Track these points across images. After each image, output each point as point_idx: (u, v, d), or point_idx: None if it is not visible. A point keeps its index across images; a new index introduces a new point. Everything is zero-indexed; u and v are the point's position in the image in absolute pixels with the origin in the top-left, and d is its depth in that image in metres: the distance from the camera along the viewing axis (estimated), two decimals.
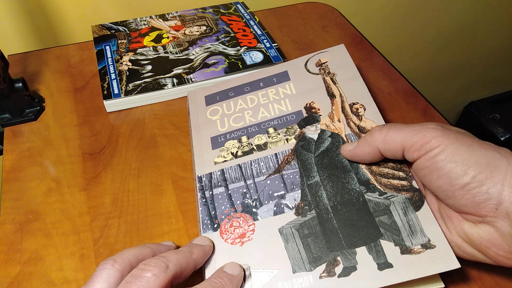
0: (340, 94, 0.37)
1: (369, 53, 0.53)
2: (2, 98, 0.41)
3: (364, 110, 0.36)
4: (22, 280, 0.31)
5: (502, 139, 1.04)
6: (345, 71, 0.39)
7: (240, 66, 0.47)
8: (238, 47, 0.50)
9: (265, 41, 0.51)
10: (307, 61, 0.41)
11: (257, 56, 0.48)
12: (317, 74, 0.40)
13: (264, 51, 0.49)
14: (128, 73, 0.46)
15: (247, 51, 0.49)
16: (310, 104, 0.37)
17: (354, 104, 0.36)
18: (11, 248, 0.33)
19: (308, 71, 0.40)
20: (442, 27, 0.97)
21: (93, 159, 0.39)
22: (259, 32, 0.52)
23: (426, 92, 0.52)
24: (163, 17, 0.56)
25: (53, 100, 0.46)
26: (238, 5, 0.59)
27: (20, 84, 0.42)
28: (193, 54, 0.49)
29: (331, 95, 0.37)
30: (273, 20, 0.59)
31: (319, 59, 0.41)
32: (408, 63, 1.03)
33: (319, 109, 0.37)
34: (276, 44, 0.50)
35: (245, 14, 0.56)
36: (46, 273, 0.31)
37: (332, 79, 0.39)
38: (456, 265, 0.26)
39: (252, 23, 0.54)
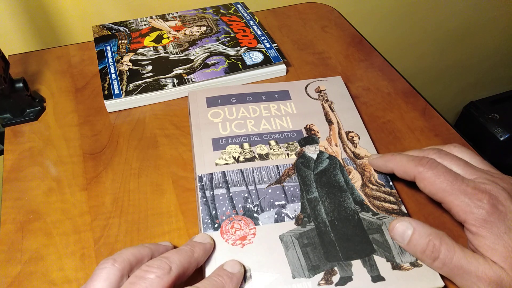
0: (337, 122, 0.40)
1: (368, 53, 0.53)
2: (2, 98, 0.41)
3: (359, 139, 0.39)
4: (23, 280, 0.31)
5: (502, 139, 1.04)
6: (342, 101, 0.43)
7: (240, 66, 0.47)
8: (238, 48, 0.50)
9: (265, 41, 0.51)
10: (307, 86, 0.44)
11: (257, 57, 0.48)
12: (316, 99, 0.43)
13: (264, 51, 0.49)
14: (128, 73, 0.46)
15: (247, 52, 0.49)
16: (309, 126, 0.40)
17: (349, 132, 0.39)
18: (12, 247, 0.33)
19: (308, 95, 0.43)
20: (442, 28, 0.98)
21: (94, 159, 0.40)
22: (259, 33, 0.52)
23: (425, 92, 0.52)
24: (163, 17, 0.56)
25: (53, 100, 0.46)
26: (238, 6, 0.59)
27: (21, 84, 0.42)
28: (193, 55, 0.49)
29: (329, 121, 0.40)
30: (273, 21, 0.59)
31: (318, 86, 0.44)
32: (408, 63, 1.03)
33: (318, 132, 0.39)
34: (276, 45, 0.50)
35: (245, 15, 0.57)
36: (46, 273, 0.31)
37: (330, 107, 0.42)
38: (440, 283, 0.29)
39: (252, 23, 0.55)
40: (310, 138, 0.39)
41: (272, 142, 0.38)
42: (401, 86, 0.48)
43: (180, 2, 0.67)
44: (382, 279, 0.29)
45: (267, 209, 0.33)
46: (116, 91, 0.44)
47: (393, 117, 0.44)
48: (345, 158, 0.37)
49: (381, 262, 0.30)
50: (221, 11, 0.57)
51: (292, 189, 0.34)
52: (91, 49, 0.53)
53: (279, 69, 0.49)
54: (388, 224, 0.32)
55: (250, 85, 0.45)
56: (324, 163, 0.37)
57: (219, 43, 0.51)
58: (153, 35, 0.52)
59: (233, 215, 0.32)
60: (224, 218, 0.32)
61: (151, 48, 0.50)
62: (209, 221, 0.32)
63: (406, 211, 0.33)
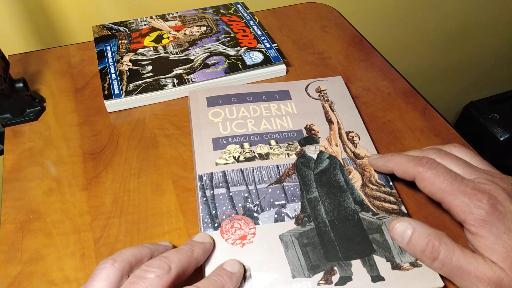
0: (338, 122, 0.40)
1: (368, 53, 0.53)
2: (3, 98, 0.41)
3: (359, 139, 0.39)
4: (23, 280, 0.31)
5: (502, 139, 1.04)
6: (342, 101, 0.43)
7: (240, 66, 0.47)
8: (238, 48, 0.50)
9: (265, 41, 0.51)
10: (307, 86, 0.44)
11: (257, 57, 0.48)
12: (317, 99, 0.43)
13: (264, 51, 0.49)
14: (128, 73, 0.46)
15: (247, 52, 0.49)
16: (310, 126, 0.40)
17: (350, 132, 0.39)
18: (12, 247, 0.33)
19: (309, 95, 0.43)
20: (442, 28, 0.98)
21: (94, 159, 0.40)
22: (259, 33, 0.52)
23: (425, 92, 0.52)
24: (163, 17, 0.56)
25: (53, 100, 0.46)
26: (238, 6, 0.59)
27: (21, 84, 0.42)
28: (193, 55, 0.49)
29: (329, 121, 0.40)
30: (273, 21, 0.59)
31: (319, 86, 0.44)
32: (408, 63, 1.03)
33: (318, 132, 0.39)
34: (276, 45, 0.50)
35: (245, 15, 0.57)
36: (46, 273, 0.31)
37: (330, 107, 0.42)
38: (440, 283, 0.29)
39: (252, 23, 0.55)
40: (310, 138, 0.39)
41: (273, 142, 0.38)
42: (401, 86, 0.48)
43: (180, 2, 0.67)
44: (382, 279, 0.29)
45: (267, 208, 0.33)
46: (116, 91, 0.44)
47: (393, 117, 0.44)
48: (345, 158, 0.37)
49: (381, 262, 0.30)
50: (221, 11, 0.57)
51: (292, 189, 0.34)
52: (91, 49, 0.53)
53: (279, 69, 0.49)
54: (388, 224, 0.32)
55: (250, 85, 0.45)
56: (324, 163, 0.37)
57: (219, 43, 0.51)
58: (153, 35, 0.52)
59: (233, 215, 0.32)
60: (224, 217, 0.32)
61: (151, 48, 0.50)
62: (209, 220, 0.32)
63: (406, 211, 0.33)
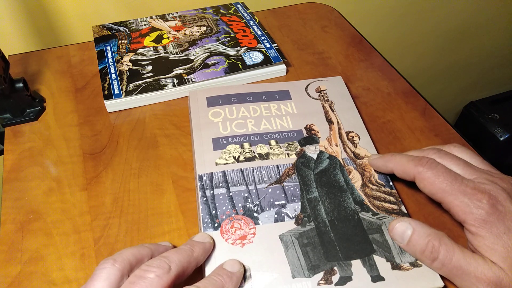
0: (338, 122, 0.40)
1: (368, 53, 0.53)
2: (3, 98, 0.41)
3: (359, 139, 0.39)
4: (23, 280, 0.31)
5: (502, 139, 1.04)
6: (342, 101, 0.43)
7: (240, 66, 0.47)
8: (238, 48, 0.50)
9: (265, 41, 0.51)
10: (307, 86, 0.44)
11: (257, 57, 0.48)
12: (317, 99, 0.43)
13: (264, 51, 0.49)
14: (128, 73, 0.46)
15: (247, 52, 0.49)
16: (310, 126, 0.40)
17: (350, 132, 0.39)
18: (12, 247, 0.33)
19: (309, 95, 0.43)
20: (442, 28, 0.98)
21: (94, 159, 0.40)
22: (259, 33, 0.52)
23: (425, 92, 0.52)
24: (163, 17, 0.56)
25: (53, 100, 0.46)
26: (238, 6, 0.59)
27: (21, 84, 0.42)
28: (193, 55, 0.49)
29: (329, 121, 0.40)
30: (273, 21, 0.59)
31: (319, 86, 0.44)
32: (408, 63, 1.03)
33: (318, 132, 0.39)
34: (276, 45, 0.50)
35: (245, 15, 0.57)
36: (46, 273, 0.31)
37: (330, 107, 0.42)
38: (440, 283, 0.29)
39: (252, 23, 0.55)
40: (310, 138, 0.39)
41: (273, 142, 0.38)
42: (401, 86, 0.48)
43: (180, 2, 0.67)
44: (382, 279, 0.29)
45: (267, 208, 0.33)
46: (116, 91, 0.44)
47: (393, 117, 0.44)
48: (345, 158, 0.37)
49: (381, 262, 0.30)
50: (221, 11, 0.57)
51: (292, 189, 0.34)
52: (91, 49, 0.53)
53: (279, 69, 0.49)
54: (388, 224, 0.32)
55: (250, 85, 0.45)
56: (324, 163, 0.37)
57: (219, 43, 0.51)
58: (153, 35, 0.52)
59: (233, 215, 0.33)
60: (224, 217, 0.32)
61: (151, 48, 0.50)
62: (209, 220, 0.32)
63: (406, 211, 0.33)
